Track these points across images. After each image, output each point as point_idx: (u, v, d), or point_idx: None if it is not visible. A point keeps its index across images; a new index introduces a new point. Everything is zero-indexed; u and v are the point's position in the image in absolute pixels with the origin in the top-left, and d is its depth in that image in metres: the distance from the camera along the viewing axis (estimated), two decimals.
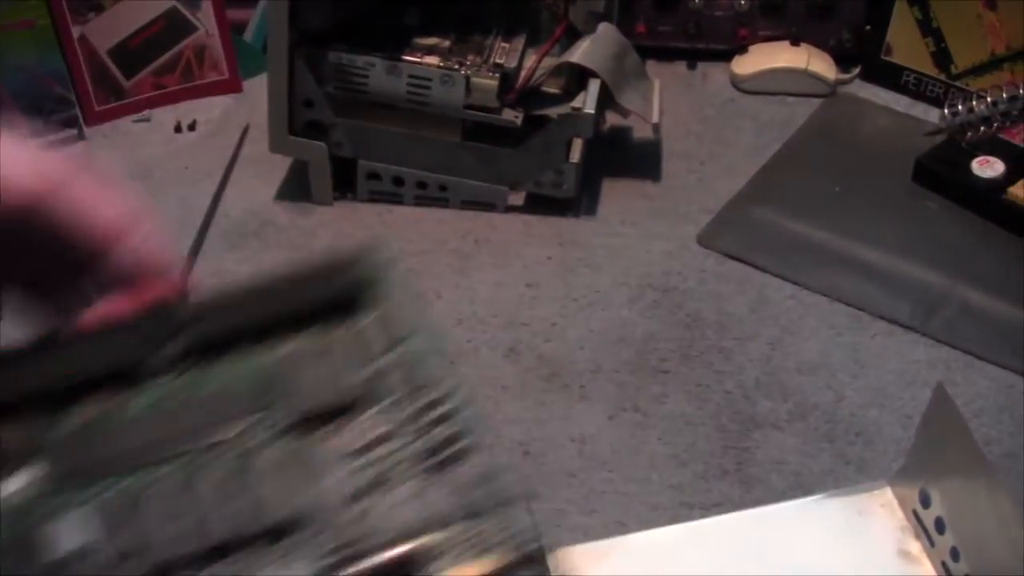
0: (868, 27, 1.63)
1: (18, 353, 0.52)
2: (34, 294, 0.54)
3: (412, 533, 0.45)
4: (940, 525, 0.79)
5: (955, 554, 0.78)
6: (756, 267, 1.35)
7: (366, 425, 0.49)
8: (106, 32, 1.63)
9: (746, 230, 1.41)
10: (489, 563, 0.44)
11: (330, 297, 0.53)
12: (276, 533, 0.46)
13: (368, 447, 0.48)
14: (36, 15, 1.58)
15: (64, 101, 1.64)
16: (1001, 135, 1.43)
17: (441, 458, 0.47)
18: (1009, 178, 1.39)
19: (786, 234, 1.40)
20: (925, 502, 0.81)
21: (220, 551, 0.46)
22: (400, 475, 0.47)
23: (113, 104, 1.68)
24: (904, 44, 1.60)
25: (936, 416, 0.80)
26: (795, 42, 1.64)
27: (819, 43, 1.65)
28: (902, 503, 0.85)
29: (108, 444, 0.49)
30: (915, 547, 0.83)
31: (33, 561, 0.45)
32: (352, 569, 0.44)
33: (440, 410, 0.49)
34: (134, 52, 1.66)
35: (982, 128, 1.42)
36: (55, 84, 1.63)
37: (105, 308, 0.53)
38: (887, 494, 0.87)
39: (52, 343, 0.53)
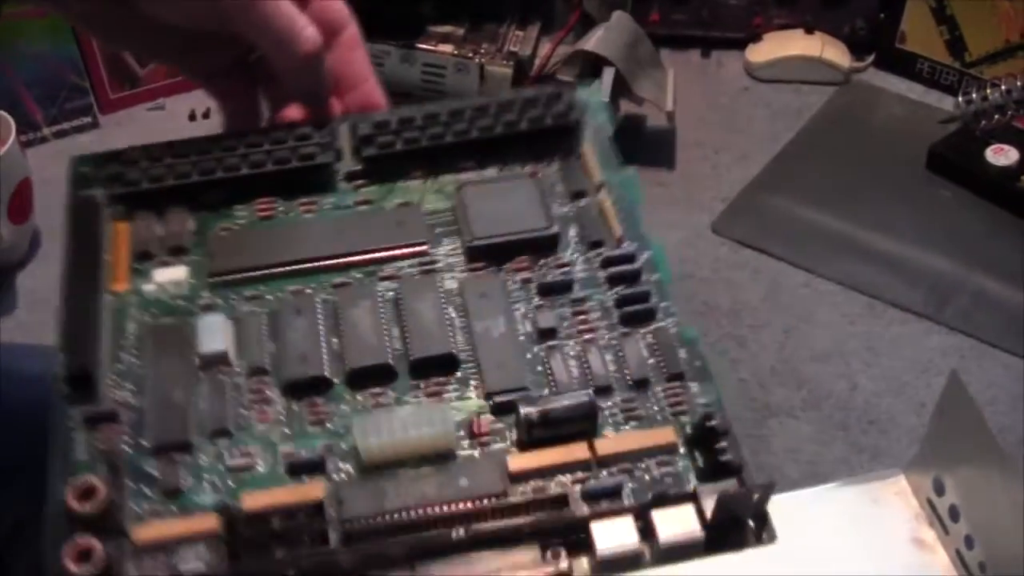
0: (882, 15, 1.63)
1: (208, 140, 0.55)
2: (237, 86, 0.59)
3: (580, 388, 0.47)
4: (954, 513, 0.79)
5: (969, 542, 0.78)
6: (770, 255, 1.35)
7: (548, 267, 0.52)
8: None
9: (760, 218, 1.41)
10: (660, 432, 0.46)
11: (524, 127, 0.55)
12: (424, 368, 0.48)
13: (551, 289, 0.51)
14: None
15: (78, 89, 1.64)
16: (1015, 123, 1.43)
17: (630, 314, 0.50)
18: (1023, 166, 1.39)
19: (800, 222, 1.40)
20: (939, 490, 0.81)
21: (358, 379, 0.48)
22: (581, 324, 0.49)
23: (127, 92, 1.69)
24: (918, 32, 1.59)
25: (950, 404, 0.80)
26: (809, 30, 1.64)
27: (833, 31, 1.65)
28: (916, 491, 0.85)
29: (275, 244, 0.52)
30: (929, 535, 0.83)
31: (184, 349, 0.49)
32: (512, 417, 0.46)
33: (629, 266, 0.51)
34: None
35: (996, 116, 1.42)
36: (69, 72, 1.63)
37: (296, 111, 0.57)
38: (901, 482, 0.87)
39: (240, 134, 0.55)
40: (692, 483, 0.44)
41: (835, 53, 1.62)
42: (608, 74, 1.36)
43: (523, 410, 0.45)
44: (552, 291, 0.50)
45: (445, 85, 1.34)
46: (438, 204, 0.54)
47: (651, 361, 0.48)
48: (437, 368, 0.48)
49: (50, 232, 1.52)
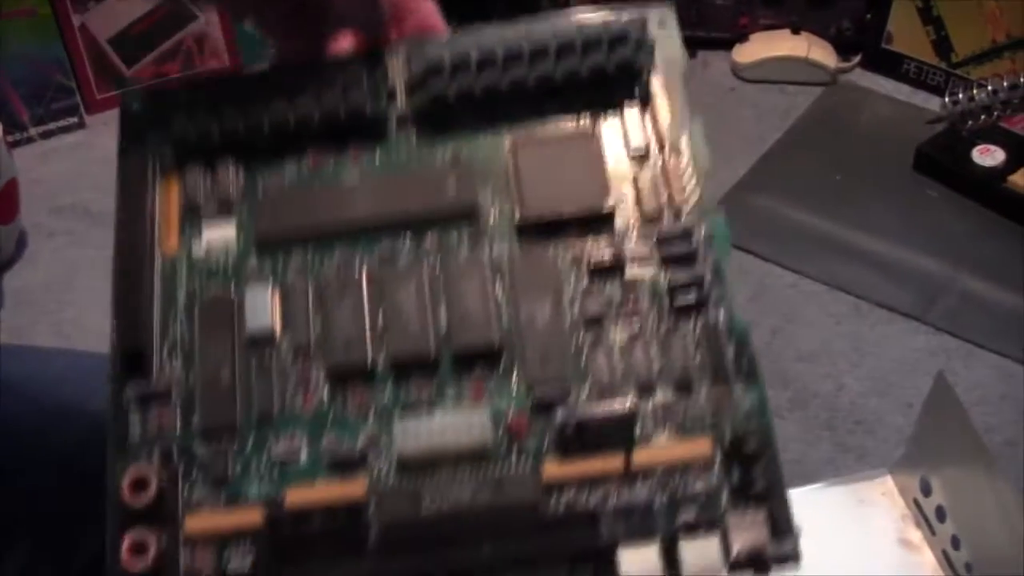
0: (869, 15, 1.63)
1: (252, 79, 0.53)
2: (287, 20, 0.55)
3: (621, 389, 0.45)
4: (941, 513, 0.80)
5: (956, 542, 0.78)
6: (757, 256, 1.35)
7: (601, 245, 0.48)
8: (107, 20, 1.63)
9: (747, 219, 1.41)
10: (697, 443, 0.45)
11: (585, 71, 0.51)
12: (466, 358, 0.46)
13: (602, 271, 0.48)
14: (37, 4, 1.58)
15: (65, 89, 1.64)
16: (1002, 123, 1.43)
17: (681, 303, 0.47)
18: (1009, 166, 1.39)
19: (787, 223, 1.40)
20: (926, 490, 0.81)
21: (401, 367, 0.46)
22: (630, 313, 0.47)
23: (114, 92, 1.69)
24: (905, 32, 1.60)
25: (936, 404, 0.80)
26: (796, 30, 1.64)
27: (820, 31, 1.65)
28: (903, 491, 0.85)
29: (322, 204, 0.50)
30: (916, 536, 0.83)
31: (231, 323, 0.48)
32: (546, 420, 0.45)
33: (687, 247, 0.48)
34: (135, 40, 1.66)
35: (983, 116, 1.42)
36: (56, 72, 1.63)
37: (349, 40, 0.53)
38: (888, 482, 0.87)
39: (288, 72, 0.52)
40: (724, 502, 0.44)
41: (822, 53, 1.62)
42: None
43: (559, 418, 0.44)
44: (602, 273, 0.48)
45: None
46: (492, 158, 0.51)
47: (697, 358, 0.46)
48: (480, 358, 0.46)
49: (36, 232, 1.52)
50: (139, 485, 0.44)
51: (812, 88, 1.62)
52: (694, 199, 0.49)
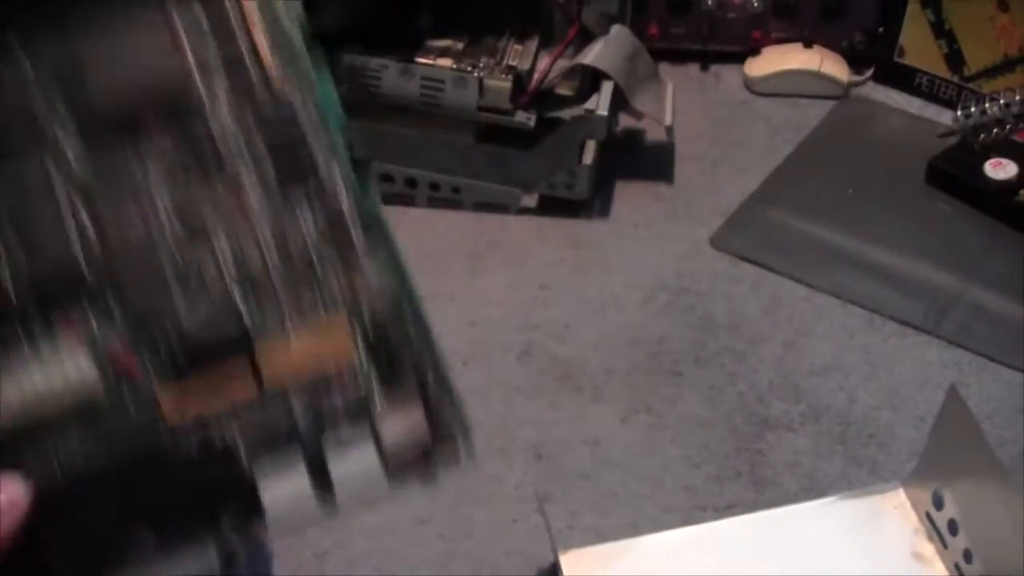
0: (881, 29, 1.63)
1: None
2: None
3: (230, 292, 0.39)
4: (953, 527, 0.79)
5: (968, 556, 0.78)
6: (769, 269, 1.35)
7: (190, 128, 0.40)
8: None
9: (759, 232, 1.41)
10: (332, 338, 0.39)
11: None
12: (52, 294, 0.38)
13: (196, 163, 0.40)
14: None
15: None
16: (1014, 137, 1.43)
17: (284, 170, 0.40)
18: (1022, 180, 1.39)
19: (799, 236, 1.40)
20: (938, 504, 0.81)
21: None
22: (232, 206, 0.40)
23: None
24: (917, 46, 1.60)
25: (949, 418, 0.80)
26: (808, 44, 1.64)
27: (832, 45, 1.65)
28: (915, 505, 0.85)
29: None
30: (928, 549, 0.83)
31: None
32: (154, 347, 0.38)
33: (280, 111, 0.41)
34: None
35: (995, 130, 1.42)
36: None
37: None
38: (900, 496, 0.87)
39: None
40: (373, 402, 0.38)
41: (834, 67, 1.62)
42: (607, 88, 1.36)
43: (168, 342, 0.38)
44: (198, 165, 0.40)
45: (444, 99, 1.34)
46: (45, 42, 0.39)
47: (319, 237, 0.40)
48: (66, 293, 0.38)
49: None
50: None
51: (824, 102, 1.62)
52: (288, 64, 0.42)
